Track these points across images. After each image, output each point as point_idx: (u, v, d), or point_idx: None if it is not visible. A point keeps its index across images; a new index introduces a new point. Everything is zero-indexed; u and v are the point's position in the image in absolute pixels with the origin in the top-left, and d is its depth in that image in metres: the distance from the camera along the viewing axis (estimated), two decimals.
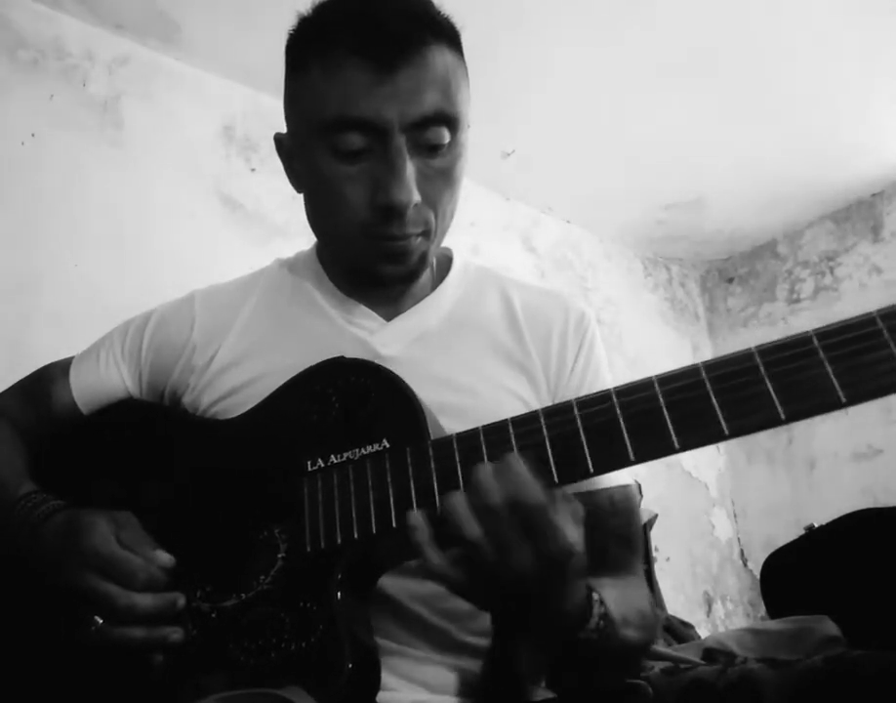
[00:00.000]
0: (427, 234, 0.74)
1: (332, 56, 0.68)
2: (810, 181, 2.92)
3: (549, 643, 0.58)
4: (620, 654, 0.63)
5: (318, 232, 0.80)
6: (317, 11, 0.72)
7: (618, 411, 0.52)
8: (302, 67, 0.72)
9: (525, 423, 0.55)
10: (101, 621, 0.62)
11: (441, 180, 0.72)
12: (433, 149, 0.70)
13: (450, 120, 0.69)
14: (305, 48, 0.72)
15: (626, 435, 0.51)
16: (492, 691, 0.69)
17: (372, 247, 0.73)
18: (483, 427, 0.57)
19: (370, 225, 0.71)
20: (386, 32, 0.66)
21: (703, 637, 1.86)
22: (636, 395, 0.52)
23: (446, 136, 0.70)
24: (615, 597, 0.63)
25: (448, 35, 0.71)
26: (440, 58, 0.69)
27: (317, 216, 0.78)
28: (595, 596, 0.58)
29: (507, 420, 0.56)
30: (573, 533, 0.51)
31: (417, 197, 0.69)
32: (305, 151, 0.74)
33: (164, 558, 0.64)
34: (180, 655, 0.63)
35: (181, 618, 0.64)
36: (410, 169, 0.68)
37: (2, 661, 0.72)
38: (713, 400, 0.49)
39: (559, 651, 0.57)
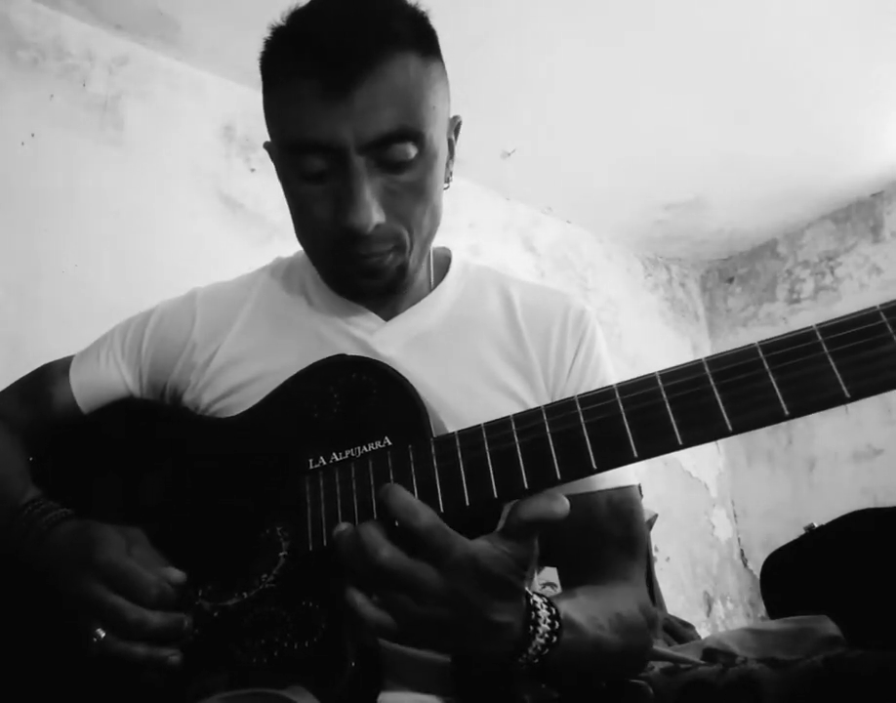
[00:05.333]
0: (400, 249, 0.72)
1: (287, 78, 0.67)
2: (810, 181, 2.92)
3: (491, 661, 0.56)
4: (597, 657, 0.62)
5: (300, 243, 0.80)
6: (275, 31, 0.70)
7: (621, 408, 0.51)
8: (267, 86, 0.71)
9: (528, 420, 0.55)
10: (102, 634, 0.61)
11: (411, 194, 0.70)
12: (399, 165, 0.68)
13: (413, 135, 0.67)
14: (267, 67, 0.71)
15: (629, 432, 0.51)
16: (486, 690, 0.69)
17: (344, 264, 0.73)
18: (486, 424, 0.57)
19: (338, 243, 0.71)
20: (338, 51, 0.64)
21: (703, 637, 1.85)
22: (639, 392, 0.51)
23: (411, 151, 0.67)
24: (584, 603, 0.63)
25: (412, 40, 0.67)
26: (400, 70, 0.65)
27: (296, 229, 0.77)
28: (538, 602, 0.57)
29: (509, 417, 0.56)
30: (470, 551, 0.51)
31: (378, 218, 0.67)
32: (279, 167, 0.74)
33: (176, 574, 0.64)
34: (182, 655, 0.63)
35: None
36: (368, 191, 0.66)
37: (1, 664, 0.72)
38: (717, 396, 0.49)
39: (512, 667, 0.56)
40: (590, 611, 0.62)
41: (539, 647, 0.55)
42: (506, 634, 0.54)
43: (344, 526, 0.55)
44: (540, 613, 0.56)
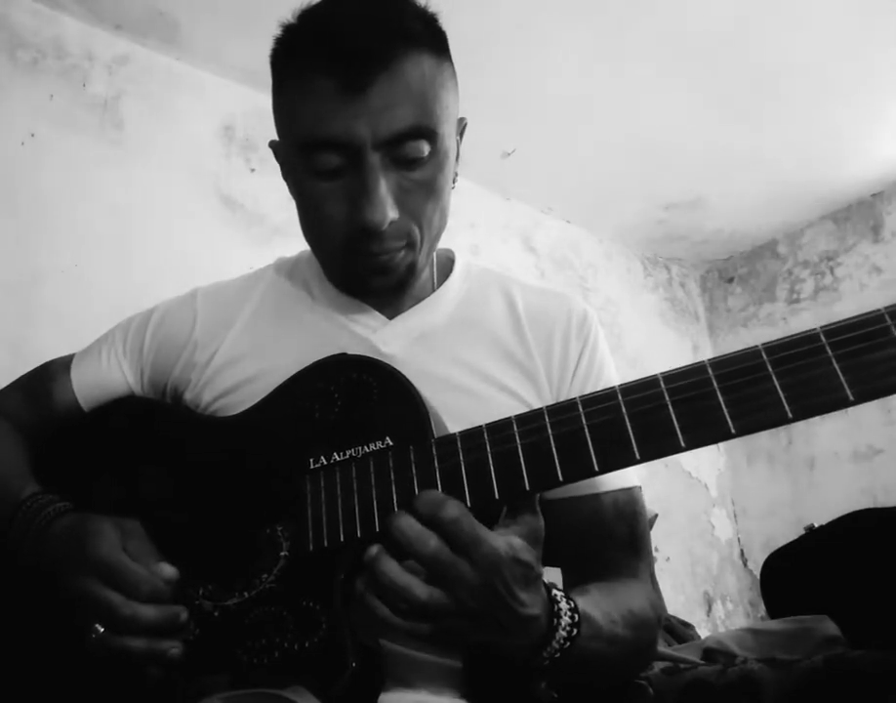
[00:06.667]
0: (411, 246, 0.73)
1: (302, 75, 0.67)
2: (810, 181, 2.92)
3: (518, 656, 0.57)
4: (611, 652, 0.62)
5: (308, 242, 0.80)
6: (287, 28, 0.71)
7: (623, 410, 0.51)
8: (279, 83, 0.72)
9: (529, 421, 0.55)
10: (101, 629, 0.61)
11: (423, 191, 0.70)
12: (412, 163, 0.68)
13: (427, 133, 0.67)
14: (280, 65, 0.71)
15: (631, 434, 0.50)
16: (502, 690, 0.69)
17: (356, 261, 0.73)
18: (487, 425, 0.57)
19: (351, 241, 0.71)
20: (354, 49, 0.64)
21: (703, 637, 1.85)
22: (642, 394, 0.51)
23: (425, 149, 0.68)
24: (597, 598, 0.63)
25: (426, 40, 0.68)
26: (415, 68, 0.66)
27: (305, 228, 0.77)
28: (558, 594, 0.57)
29: (510, 418, 0.56)
30: (501, 542, 0.52)
31: (392, 215, 0.68)
32: (289, 165, 0.74)
33: (168, 571, 0.63)
34: (184, 647, 0.63)
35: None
36: (384, 187, 0.67)
37: (2, 663, 0.72)
38: (720, 399, 0.49)
39: (536, 662, 0.56)
40: (604, 607, 0.62)
41: (561, 640, 0.56)
42: (533, 627, 0.55)
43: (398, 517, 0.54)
44: (561, 606, 0.57)
